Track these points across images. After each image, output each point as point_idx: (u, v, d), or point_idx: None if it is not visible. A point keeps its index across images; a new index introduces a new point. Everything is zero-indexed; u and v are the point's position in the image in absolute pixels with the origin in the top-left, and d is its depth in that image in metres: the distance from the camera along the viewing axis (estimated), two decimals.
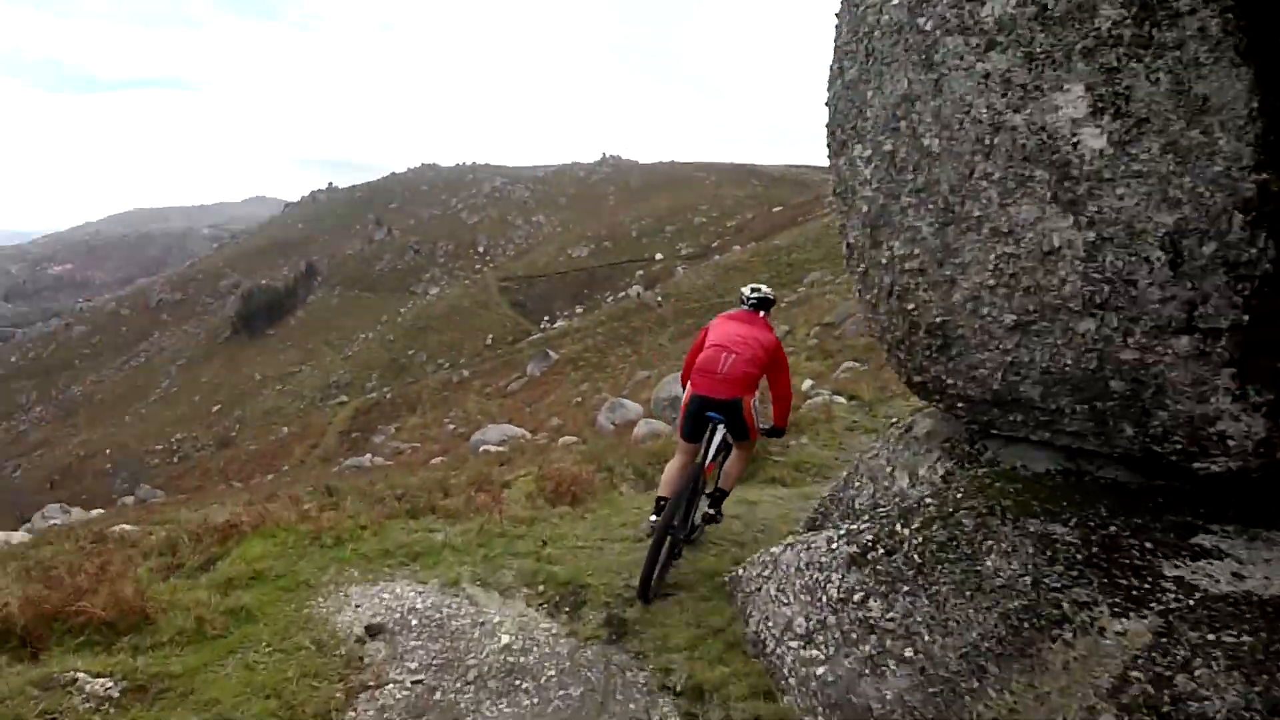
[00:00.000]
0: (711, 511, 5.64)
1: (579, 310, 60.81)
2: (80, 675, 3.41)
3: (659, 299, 48.75)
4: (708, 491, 5.56)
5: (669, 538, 4.85)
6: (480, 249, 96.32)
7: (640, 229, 79.02)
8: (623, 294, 58.38)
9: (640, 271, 63.31)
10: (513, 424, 22.19)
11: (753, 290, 5.66)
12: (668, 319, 43.57)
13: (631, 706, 3.77)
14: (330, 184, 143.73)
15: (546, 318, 63.96)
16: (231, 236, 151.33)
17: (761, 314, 5.51)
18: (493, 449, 16.24)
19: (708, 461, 5.12)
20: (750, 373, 5.06)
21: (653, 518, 5.17)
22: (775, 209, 68.04)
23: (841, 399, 11.52)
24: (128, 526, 8.85)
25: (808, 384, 13.52)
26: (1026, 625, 3.16)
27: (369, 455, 27.70)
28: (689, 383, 5.25)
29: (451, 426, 30.92)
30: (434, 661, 4.02)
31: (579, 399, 27.29)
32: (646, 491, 7.29)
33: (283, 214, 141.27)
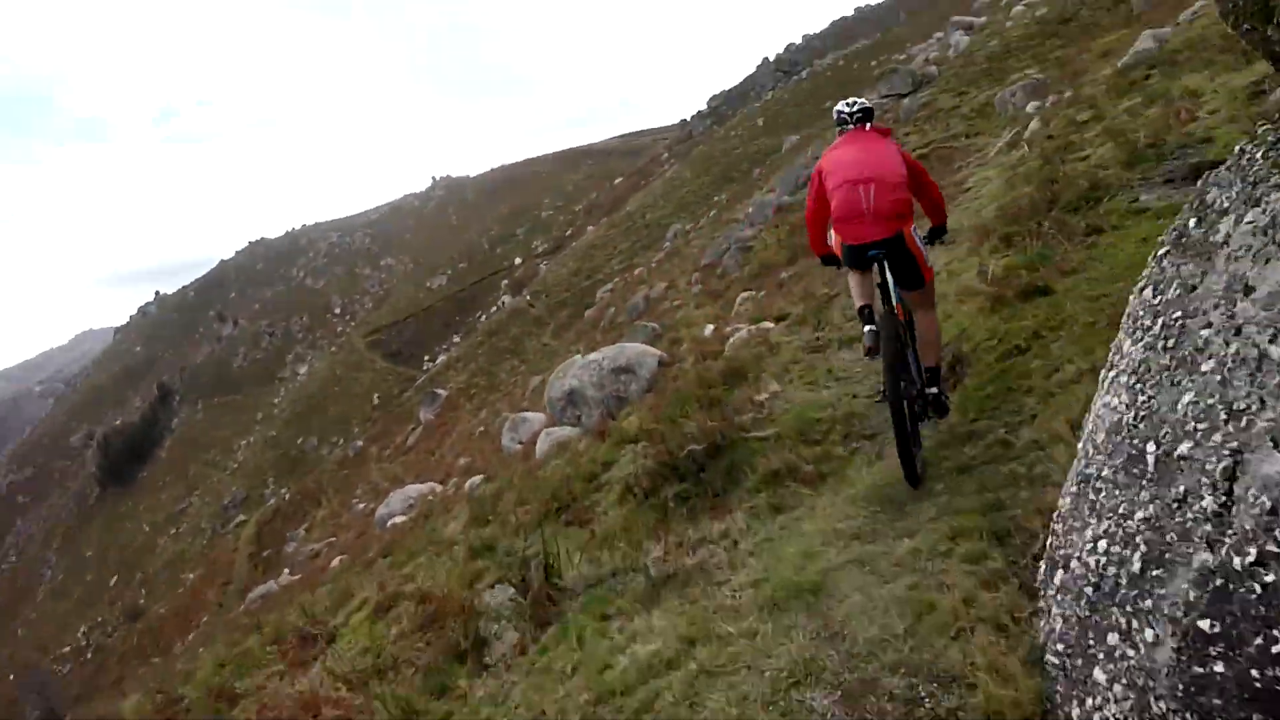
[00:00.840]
0: (934, 391, 4.43)
1: (456, 340, 58.34)
2: None
3: (529, 300, 47.40)
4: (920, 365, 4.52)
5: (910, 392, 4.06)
6: (337, 311, 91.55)
7: (491, 240, 76.92)
8: (494, 308, 56.37)
9: (505, 281, 61.36)
10: (420, 481, 20.83)
11: (851, 103, 4.74)
12: (544, 317, 42.95)
13: None
14: (158, 293, 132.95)
15: (427, 358, 61.15)
16: (67, 385, 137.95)
17: (869, 126, 4.66)
18: (399, 519, 14.97)
19: (892, 303, 4.29)
20: (900, 198, 4.21)
21: (867, 328, 4.32)
22: (616, 181, 67.50)
23: (768, 323, 9.29)
24: None
25: (709, 329, 11.50)
26: None
27: (285, 570, 25.44)
28: (834, 236, 4.50)
29: (360, 505, 29.02)
30: None
31: (481, 428, 26.05)
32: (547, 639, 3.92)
33: (115, 342, 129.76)
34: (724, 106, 63.99)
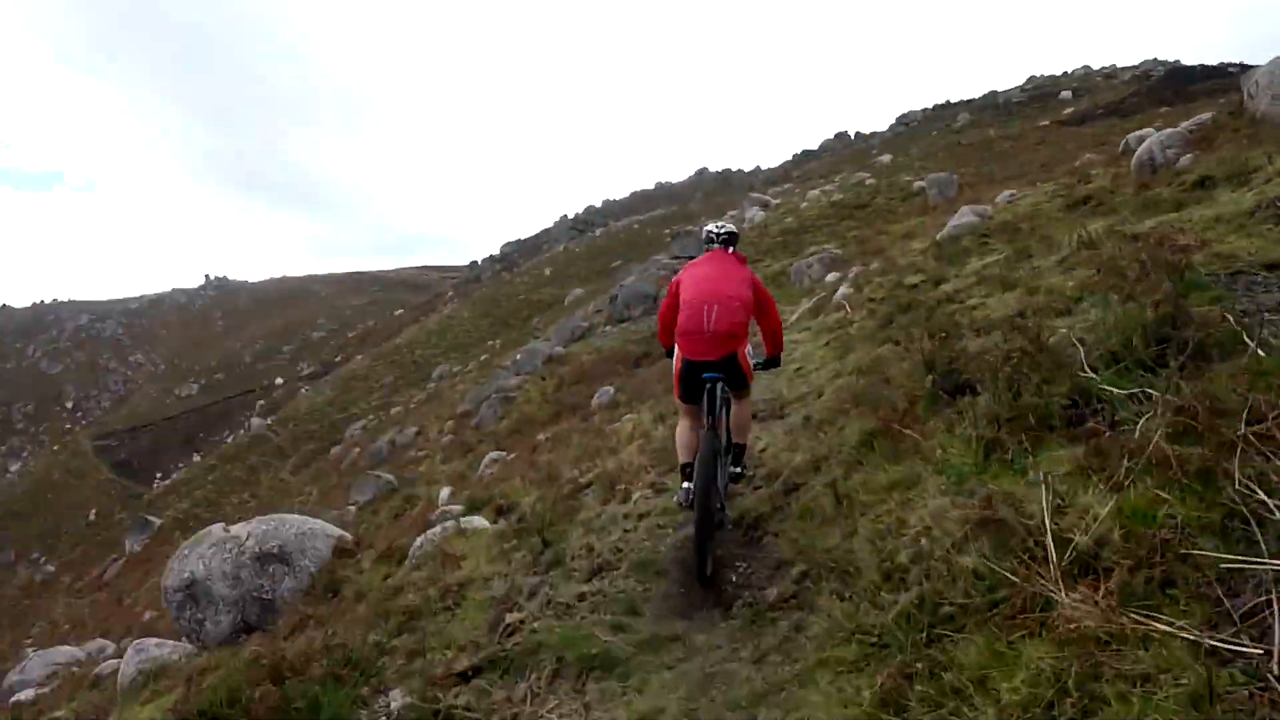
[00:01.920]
0: (737, 470, 5.14)
1: (196, 459, 55.38)
2: None
3: (271, 426, 46.06)
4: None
5: (714, 504, 4.51)
6: (69, 404, 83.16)
7: (255, 354, 74.24)
8: (242, 430, 54.40)
9: (261, 401, 59.50)
10: (98, 633, 18.72)
11: (720, 226, 5.27)
12: (286, 448, 41.45)
13: None
14: None
15: (159, 474, 57.27)
16: None
17: (731, 250, 5.15)
18: (30, 693, 12.02)
19: (716, 418, 4.75)
20: (738, 321, 4.73)
21: (685, 485, 4.77)
22: (398, 312, 67.87)
23: (481, 519, 6.87)
24: None
25: (445, 493, 11.11)
26: None
27: None
28: (677, 346, 4.91)
29: (33, 649, 26.39)
30: None
31: None
32: None
33: None
34: (515, 254, 66.16)
